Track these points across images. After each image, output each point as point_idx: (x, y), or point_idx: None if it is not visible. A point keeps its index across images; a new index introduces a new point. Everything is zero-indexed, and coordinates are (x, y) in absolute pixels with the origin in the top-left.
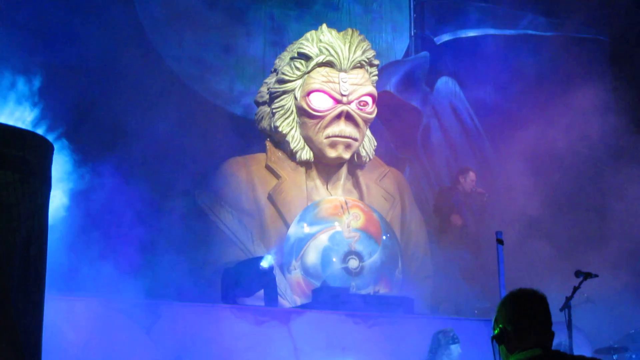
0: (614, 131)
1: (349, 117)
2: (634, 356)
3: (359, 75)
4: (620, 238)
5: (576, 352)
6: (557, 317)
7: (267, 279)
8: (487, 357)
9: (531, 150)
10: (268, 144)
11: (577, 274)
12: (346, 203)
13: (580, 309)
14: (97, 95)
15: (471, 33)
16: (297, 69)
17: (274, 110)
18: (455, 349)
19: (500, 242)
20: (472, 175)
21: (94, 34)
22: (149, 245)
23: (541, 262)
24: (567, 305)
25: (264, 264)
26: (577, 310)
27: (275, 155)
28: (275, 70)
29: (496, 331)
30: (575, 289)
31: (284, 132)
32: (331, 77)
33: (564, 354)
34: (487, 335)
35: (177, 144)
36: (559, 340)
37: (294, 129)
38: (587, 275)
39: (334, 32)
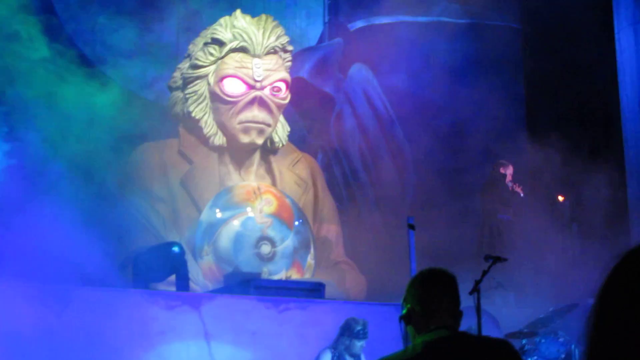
0: (523, 119)
1: (262, 103)
2: (542, 341)
3: (273, 61)
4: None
5: None
6: (467, 301)
7: (178, 264)
8: (398, 341)
9: (443, 136)
10: (181, 129)
11: (487, 257)
12: (259, 188)
13: (491, 294)
14: (6, 83)
15: (385, 20)
16: (211, 54)
17: (187, 96)
18: (357, 343)
19: (411, 227)
20: (511, 168)
21: None
22: (59, 230)
23: (454, 248)
24: (476, 289)
25: (176, 249)
26: (488, 295)
27: (188, 140)
28: (188, 55)
29: (404, 311)
30: (485, 272)
31: (197, 117)
32: (244, 62)
33: (470, 335)
34: (397, 320)
35: (90, 128)
36: (469, 324)
37: (207, 114)
38: (497, 259)
39: (247, 17)
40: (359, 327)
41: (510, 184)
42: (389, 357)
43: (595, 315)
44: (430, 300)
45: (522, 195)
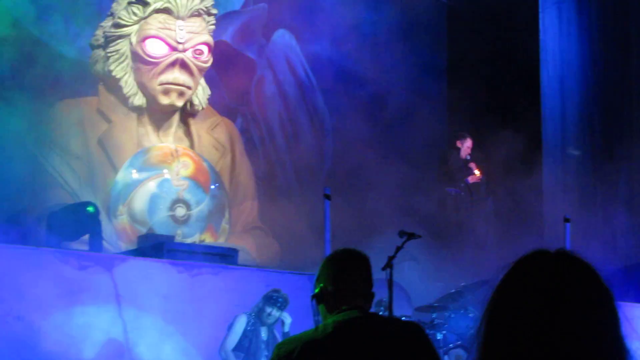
0: (445, 93)
1: (183, 65)
2: (452, 315)
3: (196, 23)
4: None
5: (396, 310)
6: (380, 273)
7: (92, 224)
8: (308, 310)
9: (364, 106)
10: (101, 87)
11: (401, 234)
12: (176, 151)
13: (405, 267)
14: None
15: None
16: (134, 14)
17: (109, 55)
18: (272, 312)
19: (327, 197)
20: (469, 142)
21: None
22: None
23: (375, 215)
24: (389, 265)
25: (91, 208)
26: (401, 268)
27: (107, 99)
28: (112, 14)
29: (317, 290)
30: (398, 248)
31: (118, 76)
32: (168, 24)
33: (380, 316)
34: (310, 290)
35: (8, 84)
36: (380, 297)
37: (128, 74)
38: (411, 236)
39: None
40: (280, 298)
41: (467, 158)
42: (299, 336)
43: (485, 321)
44: (343, 281)
45: (474, 171)
